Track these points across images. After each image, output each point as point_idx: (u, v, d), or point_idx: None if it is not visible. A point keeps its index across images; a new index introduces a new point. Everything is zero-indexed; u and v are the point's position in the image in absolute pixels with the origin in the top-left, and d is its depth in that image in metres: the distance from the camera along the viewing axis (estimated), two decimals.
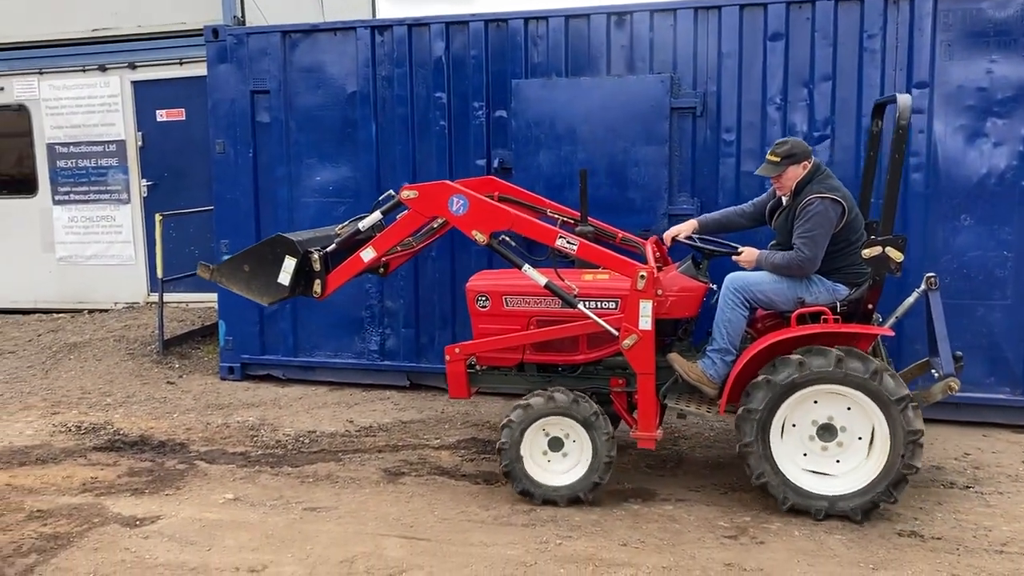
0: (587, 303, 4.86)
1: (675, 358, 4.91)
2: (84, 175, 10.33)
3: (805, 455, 4.59)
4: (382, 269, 5.55)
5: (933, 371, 4.89)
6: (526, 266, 4.83)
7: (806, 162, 4.80)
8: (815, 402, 4.54)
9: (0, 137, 10.76)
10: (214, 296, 8.12)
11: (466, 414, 6.51)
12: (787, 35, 6.16)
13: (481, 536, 4.42)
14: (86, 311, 10.05)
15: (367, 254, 5.01)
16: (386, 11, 22.27)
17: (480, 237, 4.80)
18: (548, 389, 4.85)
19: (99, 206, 10.31)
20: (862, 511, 4.48)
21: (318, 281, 5.05)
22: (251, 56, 7.21)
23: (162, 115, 10.04)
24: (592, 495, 4.77)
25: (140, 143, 10.12)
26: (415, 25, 6.85)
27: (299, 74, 7.16)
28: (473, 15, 6.74)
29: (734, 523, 4.54)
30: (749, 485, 4.69)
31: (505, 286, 5.22)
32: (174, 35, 9.75)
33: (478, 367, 5.34)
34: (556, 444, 4.84)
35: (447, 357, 5.16)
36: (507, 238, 4.98)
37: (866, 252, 4.50)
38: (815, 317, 4.62)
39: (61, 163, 10.37)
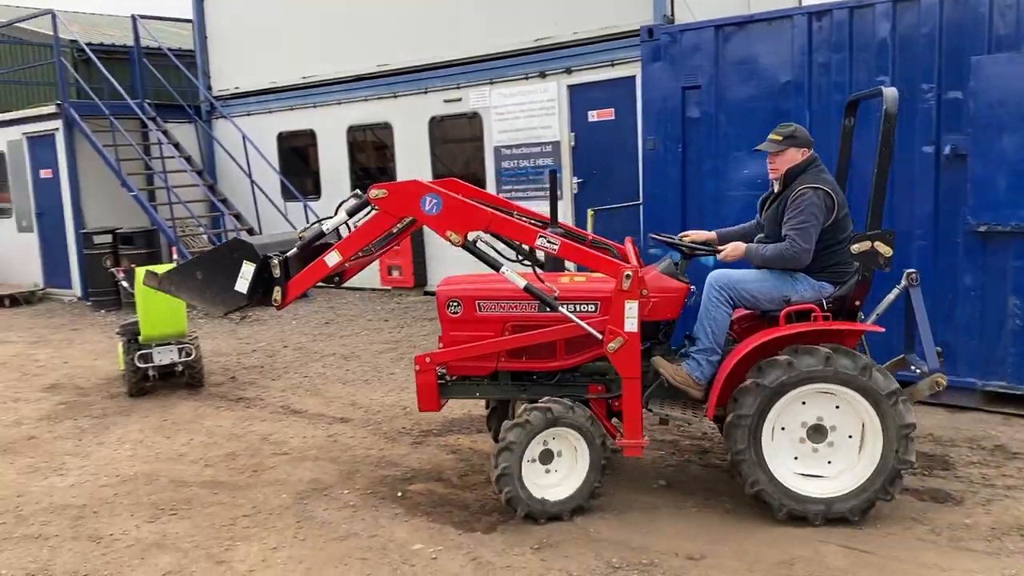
0: (566, 307, 4.64)
1: (660, 361, 4.72)
2: (524, 174, 11.34)
3: (796, 458, 4.48)
4: (337, 278, 5.11)
5: (912, 367, 4.72)
6: (504, 268, 4.62)
7: (805, 149, 4.71)
8: (803, 403, 4.43)
9: (456, 142, 12.24)
10: None
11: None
12: None
13: (935, 558, 4.06)
14: None
15: (331, 258, 4.69)
16: None
17: (455, 238, 4.54)
18: (542, 401, 4.59)
19: (535, 203, 11.26)
20: (859, 511, 4.37)
21: (277, 288, 4.73)
22: (683, 53, 7.34)
23: (593, 116, 10.67)
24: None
25: (572, 143, 10.85)
26: (857, 7, 6.47)
27: (730, 67, 7.13)
28: None
29: None
30: None
31: (478, 290, 4.91)
32: (606, 38, 10.29)
33: (448, 377, 5.00)
34: (546, 457, 4.63)
35: (417, 367, 4.87)
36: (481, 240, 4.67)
37: (855, 247, 4.43)
38: (802, 316, 4.47)
39: (505, 164, 11.50)
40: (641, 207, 7.93)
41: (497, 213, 4.67)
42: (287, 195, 13.45)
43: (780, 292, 4.60)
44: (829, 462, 4.47)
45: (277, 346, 9.52)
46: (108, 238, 12.33)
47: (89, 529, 4.78)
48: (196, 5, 14.77)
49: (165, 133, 13.60)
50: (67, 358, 9.35)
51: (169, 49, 14.35)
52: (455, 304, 4.91)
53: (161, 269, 5.26)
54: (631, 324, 4.46)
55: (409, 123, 12.38)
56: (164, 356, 7.45)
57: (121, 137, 12.71)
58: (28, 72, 16.58)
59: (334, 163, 13.33)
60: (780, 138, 4.72)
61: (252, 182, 13.25)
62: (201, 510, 4.96)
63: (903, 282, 4.65)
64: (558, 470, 4.65)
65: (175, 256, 9.77)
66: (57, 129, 13.35)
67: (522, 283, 4.55)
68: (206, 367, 8.13)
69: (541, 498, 4.55)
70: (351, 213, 4.84)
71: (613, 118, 10.49)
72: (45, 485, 5.51)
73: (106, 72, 13.14)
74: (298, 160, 14.01)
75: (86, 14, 22.47)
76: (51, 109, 13.46)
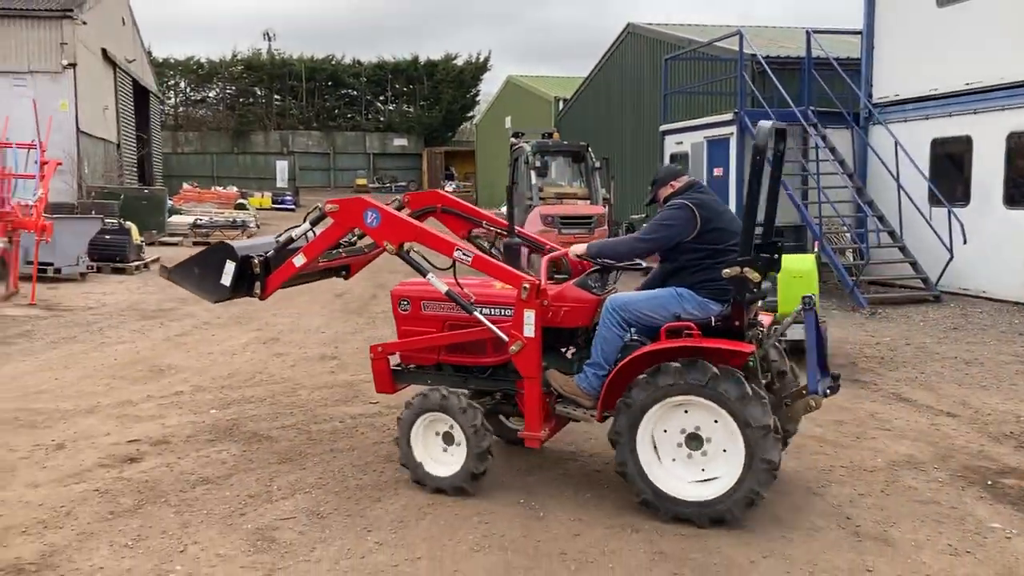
0: (491, 310, 5.15)
1: (553, 374, 5.14)
2: None
3: (675, 460, 4.73)
4: (344, 273, 6.22)
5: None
6: (430, 274, 5.22)
7: (673, 182, 5.23)
8: (685, 412, 4.68)
9: None
10: None
11: None
12: None
13: None
14: None
15: (298, 260, 5.49)
16: None
17: (390, 247, 5.24)
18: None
19: None
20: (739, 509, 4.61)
21: (258, 283, 5.54)
22: None
23: None
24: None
25: None
26: None
27: None
28: None
29: None
30: None
31: (423, 292, 5.48)
32: None
33: (406, 366, 5.68)
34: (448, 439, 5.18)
35: (371, 355, 5.62)
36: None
37: (726, 272, 4.63)
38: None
39: None
40: None
41: (423, 228, 5.28)
42: (934, 201, 13.58)
43: (669, 310, 4.86)
44: (703, 469, 4.70)
45: (900, 343, 10.06)
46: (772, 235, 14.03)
47: None
48: (866, 16, 15.60)
49: (823, 138, 14.80)
50: None
51: (836, 59, 15.47)
52: (405, 303, 5.65)
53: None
54: (529, 330, 4.92)
55: None
56: (793, 333, 8.65)
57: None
58: (714, 84, 19.31)
59: (988, 170, 13.04)
60: (650, 188, 5.37)
61: (899, 186, 13.70)
62: (807, 456, 6.02)
63: (799, 306, 4.87)
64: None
65: (815, 249, 10.90)
66: (732, 134, 15.54)
67: (444, 288, 5.18)
68: (831, 351, 9.11)
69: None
70: (313, 223, 5.62)
71: None
72: None
73: (776, 82, 14.82)
74: (951, 167, 13.98)
75: (770, 28, 24.90)
76: (728, 116, 15.70)
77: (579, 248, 5.30)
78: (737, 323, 4.76)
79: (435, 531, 4.69)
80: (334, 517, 4.87)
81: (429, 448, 5.27)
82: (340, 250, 5.95)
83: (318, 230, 5.61)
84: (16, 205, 12.99)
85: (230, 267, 5.48)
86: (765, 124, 4.66)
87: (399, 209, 5.91)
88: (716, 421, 4.64)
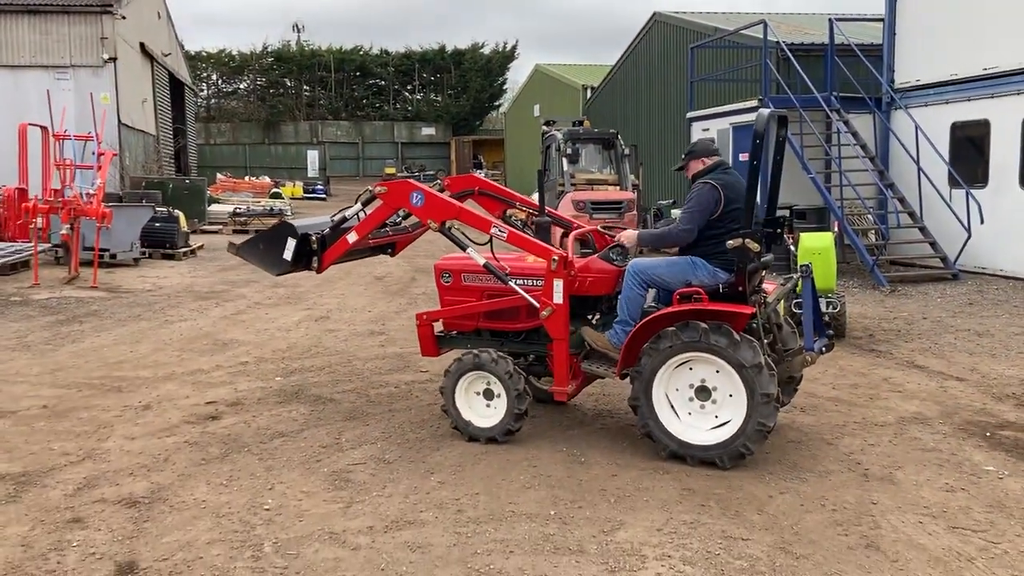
0: (523, 281, 5.78)
1: (586, 331, 5.83)
2: None
3: (690, 414, 5.36)
4: (390, 250, 6.86)
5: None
6: (470, 248, 5.81)
7: (705, 158, 5.68)
8: (690, 368, 5.29)
9: None
10: None
11: None
12: None
13: None
14: None
15: (351, 237, 6.06)
16: None
17: (433, 225, 5.82)
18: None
19: None
20: (729, 458, 5.25)
21: (315, 258, 6.11)
22: None
23: None
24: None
25: None
26: None
27: None
28: None
29: None
30: None
31: (463, 265, 6.10)
32: None
33: (448, 332, 6.35)
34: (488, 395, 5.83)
35: (417, 322, 6.24)
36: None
37: (729, 243, 5.19)
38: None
39: None
40: None
41: (463, 207, 5.87)
42: (953, 183, 14.00)
43: (683, 277, 5.46)
44: (715, 416, 5.28)
45: (917, 317, 10.57)
46: (785, 212, 14.56)
47: None
48: (888, 4, 15.98)
49: (846, 123, 15.24)
50: None
51: (858, 45, 15.88)
52: (447, 275, 6.25)
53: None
54: (558, 297, 5.51)
55: None
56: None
57: (807, 126, 14.75)
58: (739, 72, 19.75)
59: (1005, 153, 13.44)
60: (683, 156, 5.81)
61: (920, 169, 14.13)
62: (823, 414, 6.59)
63: (797, 274, 5.62)
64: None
65: (835, 229, 11.39)
66: None
67: (482, 260, 5.75)
68: (849, 324, 9.65)
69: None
70: (365, 204, 6.14)
71: None
72: None
73: (799, 69, 15.27)
74: (970, 149, 14.39)
75: (795, 15, 25.23)
76: (753, 103, 16.17)
77: (631, 238, 5.84)
78: (741, 289, 5.31)
79: (490, 472, 5.33)
80: (399, 463, 5.52)
81: (474, 407, 5.88)
82: (387, 229, 6.50)
83: (368, 210, 6.19)
84: (75, 194, 13.79)
85: (291, 243, 6.05)
86: (764, 111, 5.22)
87: (440, 191, 6.49)
88: (717, 371, 5.23)
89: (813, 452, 5.70)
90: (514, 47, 61.44)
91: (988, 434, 6.05)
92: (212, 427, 6.30)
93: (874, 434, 6.08)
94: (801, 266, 5.64)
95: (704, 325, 5.11)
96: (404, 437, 6.03)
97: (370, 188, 6.10)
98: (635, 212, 15.87)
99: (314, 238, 6.12)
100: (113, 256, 15.26)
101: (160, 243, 16.85)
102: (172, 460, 5.59)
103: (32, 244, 13.48)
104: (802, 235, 8.89)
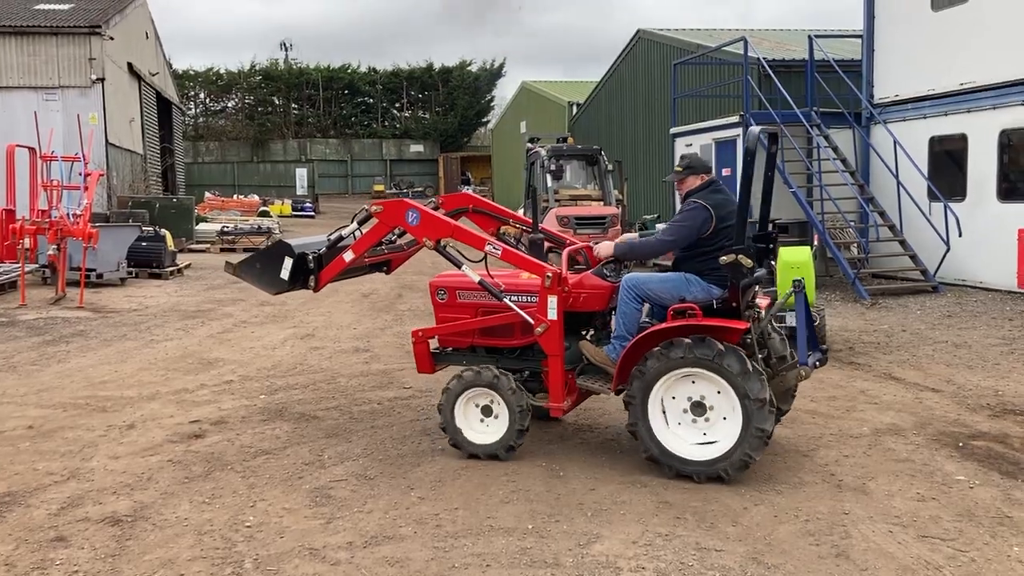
0: (518, 297, 5.77)
1: (585, 345, 5.84)
2: None
3: (680, 424, 5.39)
4: (386, 268, 6.82)
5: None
6: (465, 266, 5.88)
7: (703, 175, 5.72)
8: (693, 382, 5.32)
9: None
10: None
11: None
12: None
13: None
14: None
15: (347, 256, 6.10)
16: None
17: (428, 243, 5.89)
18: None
19: None
20: (734, 469, 5.25)
21: (312, 277, 6.12)
22: None
23: None
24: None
25: None
26: None
27: None
28: None
29: None
30: None
31: (459, 282, 6.14)
32: None
33: (443, 348, 6.34)
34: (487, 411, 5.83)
35: (412, 339, 6.29)
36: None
37: (722, 259, 5.21)
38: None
39: None
40: None
41: (458, 226, 5.91)
42: (932, 196, 14.18)
43: (677, 292, 5.50)
44: (704, 433, 5.32)
45: (897, 329, 10.70)
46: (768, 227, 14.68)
47: None
48: (866, 20, 16.22)
49: (826, 138, 15.43)
50: None
51: (837, 61, 16.09)
52: (442, 292, 6.29)
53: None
54: (552, 313, 5.55)
55: None
56: (791, 319, 9.32)
57: (787, 141, 14.92)
58: (721, 88, 19.97)
59: (982, 166, 13.64)
60: (681, 168, 5.77)
61: (899, 183, 14.31)
62: (800, 426, 6.69)
63: (790, 288, 5.64)
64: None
65: (816, 243, 11.54)
66: (738, 135, 16.19)
67: (477, 278, 5.80)
68: (829, 337, 9.77)
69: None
70: (361, 223, 6.16)
71: None
72: None
73: (779, 85, 15.47)
74: (948, 163, 14.59)
75: (775, 31, 25.51)
76: (734, 119, 16.36)
77: (606, 249, 5.86)
78: (735, 304, 5.37)
79: (469, 488, 5.40)
80: (380, 479, 5.58)
81: (469, 418, 5.91)
82: (383, 247, 6.55)
83: (364, 229, 6.24)
84: (62, 214, 13.84)
85: (288, 263, 6.10)
86: (754, 129, 5.33)
87: (435, 210, 6.56)
88: (719, 392, 5.27)
89: (789, 464, 5.79)
90: (501, 65, 61.93)
91: (961, 444, 6.15)
92: (196, 445, 6.34)
93: (849, 445, 6.18)
94: (794, 281, 5.67)
95: (720, 346, 5.13)
96: (386, 453, 6.09)
97: (366, 207, 6.17)
98: (619, 227, 16.01)
99: (311, 257, 6.19)
100: (100, 276, 15.30)
101: (147, 262, 16.88)
102: (155, 479, 5.64)
103: (19, 265, 13.52)
104: (781, 249, 8.98)
